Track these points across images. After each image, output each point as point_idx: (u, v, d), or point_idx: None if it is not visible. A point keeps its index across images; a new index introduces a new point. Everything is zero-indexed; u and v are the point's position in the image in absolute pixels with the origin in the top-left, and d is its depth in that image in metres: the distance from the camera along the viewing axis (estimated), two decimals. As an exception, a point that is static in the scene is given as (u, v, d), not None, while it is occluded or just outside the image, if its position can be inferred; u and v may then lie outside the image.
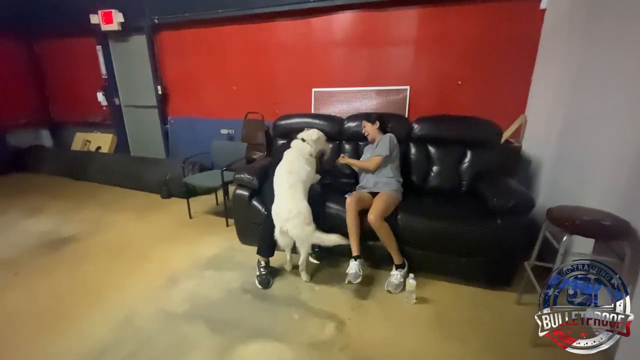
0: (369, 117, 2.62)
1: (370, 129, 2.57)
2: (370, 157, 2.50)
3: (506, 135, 2.98)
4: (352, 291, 2.19)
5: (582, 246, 1.82)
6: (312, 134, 2.52)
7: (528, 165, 2.86)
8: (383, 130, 2.57)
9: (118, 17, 4.35)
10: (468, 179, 2.59)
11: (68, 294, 2.24)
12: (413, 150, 2.75)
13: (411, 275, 2.09)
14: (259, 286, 2.21)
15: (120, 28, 4.40)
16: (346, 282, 2.13)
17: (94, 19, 4.42)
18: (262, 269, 2.26)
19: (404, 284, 2.15)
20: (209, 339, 1.81)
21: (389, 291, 2.16)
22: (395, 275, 2.18)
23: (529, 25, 2.92)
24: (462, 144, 2.66)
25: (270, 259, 2.33)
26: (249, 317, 1.98)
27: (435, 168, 2.69)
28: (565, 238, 1.61)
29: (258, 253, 2.29)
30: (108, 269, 2.52)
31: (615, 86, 1.87)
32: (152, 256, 2.66)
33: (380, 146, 2.45)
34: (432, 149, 2.72)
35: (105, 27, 4.43)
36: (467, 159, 2.62)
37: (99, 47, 4.83)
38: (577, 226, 1.60)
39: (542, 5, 2.83)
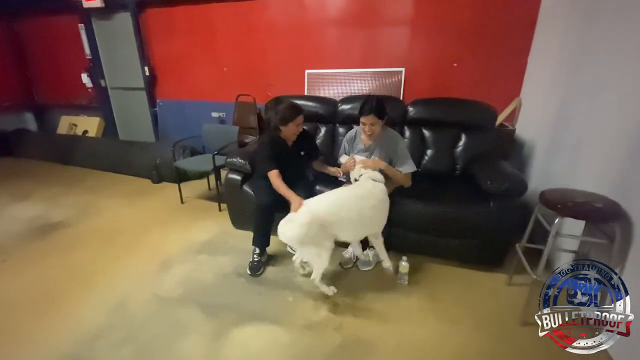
0: (380, 112, 2.03)
1: (379, 127, 2.09)
2: (402, 171, 2.16)
3: (500, 118, 2.96)
4: (345, 274, 2.21)
5: (572, 228, 1.85)
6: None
7: (521, 149, 2.86)
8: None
9: (100, -7, 4.13)
10: (462, 162, 2.58)
11: (59, 280, 2.20)
12: (408, 133, 2.72)
13: (404, 257, 2.10)
14: (249, 272, 2.18)
15: (103, 5, 4.18)
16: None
17: (75, -6, 4.21)
18: (255, 255, 2.23)
19: (373, 263, 2.26)
20: (203, 323, 1.81)
21: (358, 267, 2.24)
22: (367, 254, 2.27)
23: (527, 6, 2.85)
24: (457, 127, 2.64)
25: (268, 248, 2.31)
26: (243, 300, 1.99)
27: (429, 151, 2.67)
28: (557, 220, 1.63)
29: (253, 244, 2.24)
30: (99, 254, 2.49)
31: (611, 71, 1.85)
32: (144, 241, 2.63)
33: (404, 158, 2.16)
34: (426, 132, 2.70)
35: (87, 4, 4.22)
36: (461, 142, 2.61)
37: (81, 26, 4.61)
38: (569, 208, 1.61)
39: (541, -15, 2.76)
